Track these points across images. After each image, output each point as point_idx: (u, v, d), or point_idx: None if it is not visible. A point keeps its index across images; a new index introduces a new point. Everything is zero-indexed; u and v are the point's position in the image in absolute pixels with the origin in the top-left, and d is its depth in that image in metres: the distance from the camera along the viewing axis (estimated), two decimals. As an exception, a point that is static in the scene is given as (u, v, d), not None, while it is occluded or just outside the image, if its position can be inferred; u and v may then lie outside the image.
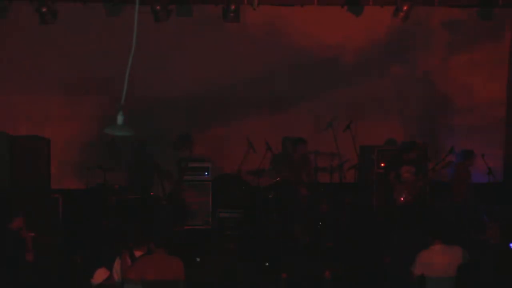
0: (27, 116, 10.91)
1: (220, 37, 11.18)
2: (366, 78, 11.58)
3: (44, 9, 10.08)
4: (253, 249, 9.20)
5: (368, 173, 11.00)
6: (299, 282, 7.27)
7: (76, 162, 10.96)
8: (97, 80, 10.88)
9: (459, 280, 6.94)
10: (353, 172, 11.01)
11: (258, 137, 10.81)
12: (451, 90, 11.87)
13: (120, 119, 4.30)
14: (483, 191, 10.48)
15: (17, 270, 7.33)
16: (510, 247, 7.58)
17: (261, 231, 10.02)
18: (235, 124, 11.40)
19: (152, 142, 10.74)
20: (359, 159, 11.04)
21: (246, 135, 10.84)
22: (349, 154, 10.86)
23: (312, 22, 11.19)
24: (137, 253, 6.60)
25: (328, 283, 7.22)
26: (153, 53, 10.73)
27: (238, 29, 11.05)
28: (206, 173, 10.67)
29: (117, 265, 6.73)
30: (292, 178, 10.42)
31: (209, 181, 10.69)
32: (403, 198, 9.88)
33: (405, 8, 10.55)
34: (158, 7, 10.27)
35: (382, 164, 10.73)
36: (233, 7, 10.46)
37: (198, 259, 8.40)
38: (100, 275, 6.42)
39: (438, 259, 6.90)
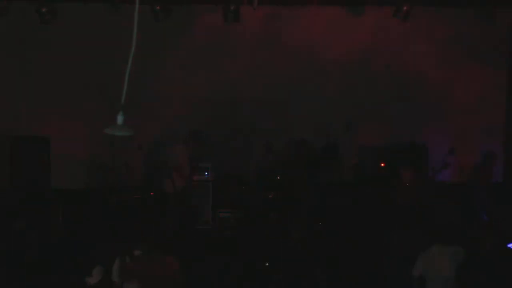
0: (27, 116, 10.91)
1: (220, 37, 11.18)
2: (366, 78, 11.58)
3: (44, 9, 10.09)
4: (253, 249, 9.20)
5: (368, 173, 11.00)
6: (298, 282, 7.27)
7: (76, 162, 10.96)
8: (97, 80, 10.88)
9: (459, 280, 6.94)
10: (353, 172, 11.01)
11: (258, 137, 10.82)
12: (451, 90, 11.87)
13: (120, 119, 4.30)
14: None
15: (17, 269, 7.34)
16: (509, 247, 7.59)
17: (261, 231, 10.02)
18: (235, 124, 11.41)
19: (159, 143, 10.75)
20: (359, 159, 11.04)
21: (246, 135, 10.85)
22: (349, 154, 10.87)
23: (312, 22, 11.19)
24: (136, 253, 6.59)
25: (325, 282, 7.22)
26: (153, 53, 10.75)
27: (238, 29, 11.06)
28: (206, 173, 10.67)
29: (116, 265, 6.73)
30: (294, 178, 10.43)
31: (209, 181, 10.70)
32: (403, 198, 9.87)
33: (405, 8, 10.56)
34: (158, 7, 10.28)
35: (382, 164, 10.73)
36: (233, 7, 10.47)
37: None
38: (96, 274, 6.41)
39: (438, 259, 6.90)
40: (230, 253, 9.03)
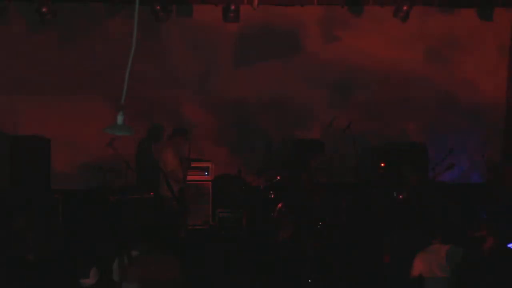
0: (27, 116, 10.91)
1: (220, 37, 11.18)
2: (366, 77, 11.57)
3: (44, 9, 10.08)
4: (253, 249, 9.20)
5: (368, 173, 11.00)
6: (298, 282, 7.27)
7: (76, 162, 10.96)
8: (97, 80, 10.88)
9: (458, 280, 6.94)
10: (353, 172, 11.01)
11: (258, 137, 10.82)
12: (451, 90, 11.87)
13: (120, 119, 4.30)
14: (483, 191, 10.47)
15: (18, 270, 7.34)
16: (509, 247, 7.58)
17: (261, 231, 10.01)
18: (234, 124, 11.41)
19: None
20: (359, 159, 11.03)
21: (246, 135, 10.85)
22: (349, 154, 10.86)
23: (312, 22, 11.19)
24: (135, 253, 6.59)
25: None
26: (152, 53, 10.75)
27: (238, 29, 11.06)
28: (206, 173, 10.66)
29: (115, 265, 6.72)
30: (293, 178, 10.42)
31: (209, 181, 10.69)
32: (402, 198, 9.88)
33: (405, 8, 10.55)
34: (158, 7, 10.28)
35: (382, 164, 10.73)
36: (233, 7, 10.48)
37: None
38: (93, 276, 6.40)
39: (437, 258, 6.90)
40: (230, 253, 9.02)
